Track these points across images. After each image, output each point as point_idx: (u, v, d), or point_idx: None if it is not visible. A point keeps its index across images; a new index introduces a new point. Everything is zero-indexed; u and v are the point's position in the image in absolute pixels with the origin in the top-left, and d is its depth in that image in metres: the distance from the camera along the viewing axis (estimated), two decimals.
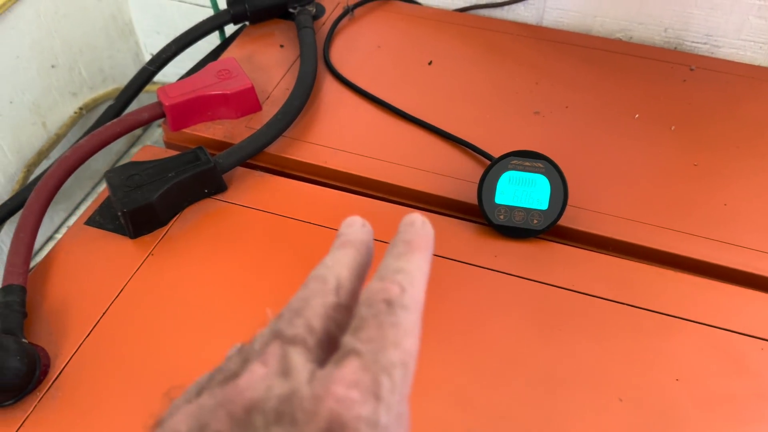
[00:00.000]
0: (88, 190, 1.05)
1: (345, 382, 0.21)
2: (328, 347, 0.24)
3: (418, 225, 0.28)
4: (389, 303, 0.23)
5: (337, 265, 0.26)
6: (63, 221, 1.01)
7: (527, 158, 0.56)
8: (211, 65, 0.69)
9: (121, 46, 1.07)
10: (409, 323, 0.23)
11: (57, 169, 0.60)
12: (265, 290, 0.54)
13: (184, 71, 0.83)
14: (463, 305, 0.53)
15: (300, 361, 0.22)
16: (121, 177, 0.58)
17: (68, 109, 0.99)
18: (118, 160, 1.11)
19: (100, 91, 1.04)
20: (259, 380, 0.22)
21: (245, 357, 0.23)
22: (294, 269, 0.56)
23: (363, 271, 0.27)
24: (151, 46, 1.12)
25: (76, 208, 1.03)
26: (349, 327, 0.23)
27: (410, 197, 0.63)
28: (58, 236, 1.00)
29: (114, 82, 1.07)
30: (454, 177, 0.63)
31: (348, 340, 0.22)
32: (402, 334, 0.23)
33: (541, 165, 0.56)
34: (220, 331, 0.52)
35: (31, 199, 0.57)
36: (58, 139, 0.96)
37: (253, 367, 0.22)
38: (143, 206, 0.56)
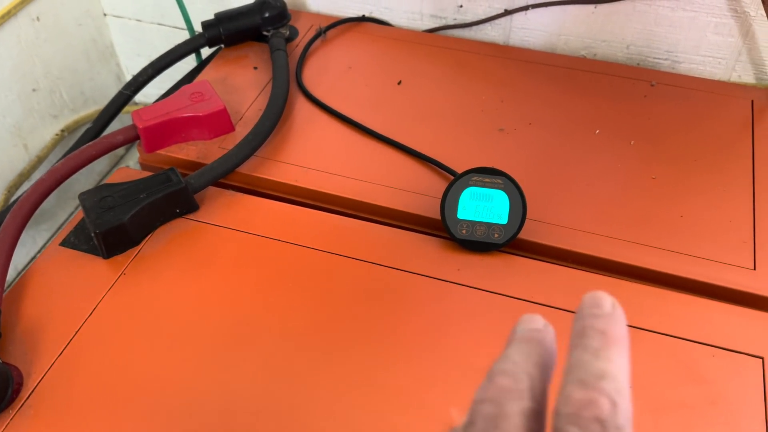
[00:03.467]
0: (70, 211, 1.06)
1: None
2: None
3: (608, 308, 0.24)
4: (602, 424, 0.20)
5: (525, 362, 0.23)
6: (46, 242, 1.03)
7: (487, 174, 0.58)
8: (184, 88, 0.71)
9: (102, 68, 1.09)
10: None
11: (32, 192, 0.61)
12: (236, 308, 0.56)
13: (164, 92, 0.85)
14: (427, 319, 0.55)
15: None
16: (93, 199, 0.59)
17: (50, 131, 1.00)
18: (101, 181, 1.12)
19: (82, 113, 1.06)
20: None
21: None
22: (265, 287, 0.57)
23: (549, 374, 0.24)
24: (133, 68, 1.14)
25: (59, 228, 1.05)
26: None
27: (378, 213, 0.64)
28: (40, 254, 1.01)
29: (95, 104, 1.09)
30: (420, 193, 0.64)
31: None
32: None
33: (500, 181, 0.58)
34: (190, 349, 0.53)
35: (7, 222, 0.59)
36: (39, 161, 0.98)
37: None
38: (115, 227, 0.58)
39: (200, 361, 0.52)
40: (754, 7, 0.74)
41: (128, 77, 1.16)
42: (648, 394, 0.50)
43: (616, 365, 0.22)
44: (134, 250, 0.60)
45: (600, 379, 0.21)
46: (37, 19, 0.94)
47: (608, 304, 0.24)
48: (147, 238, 0.61)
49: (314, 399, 0.50)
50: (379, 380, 0.51)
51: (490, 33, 0.86)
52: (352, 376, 0.51)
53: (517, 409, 0.21)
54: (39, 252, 1.02)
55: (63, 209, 1.05)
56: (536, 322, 0.26)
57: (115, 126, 0.85)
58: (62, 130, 1.02)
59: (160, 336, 0.54)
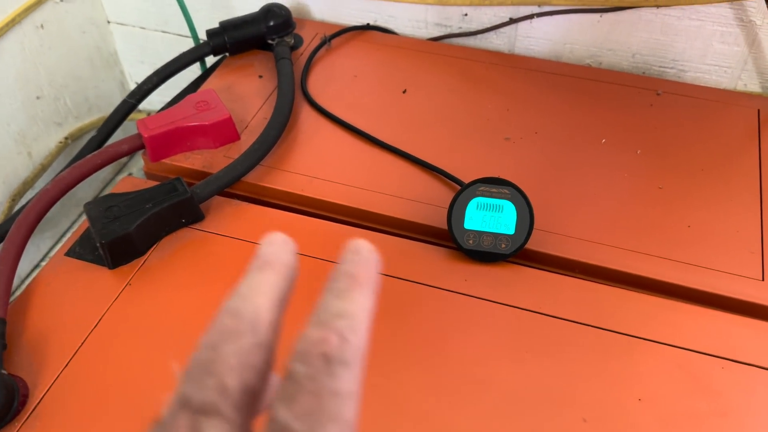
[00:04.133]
0: (74, 218, 1.06)
1: None
2: (250, 407, 0.21)
3: (364, 254, 0.25)
4: (328, 359, 0.21)
5: (255, 294, 0.23)
6: (49, 249, 1.03)
7: (493, 185, 0.58)
8: (190, 97, 0.71)
9: (106, 76, 1.09)
10: (350, 384, 0.21)
11: (38, 202, 0.61)
12: None
13: (169, 98, 0.85)
14: (434, 329, 0.55)
15: None
16: (99, 209, 0.59)
17: (53, 138, 1.00)
18: (104, 188, 1.12)
19: (86, 121, 1.06)
20: None
21: None
22: None
23: (285, 298, 0.24)
24: (136, 75, 1.14)
25: (62, 236, 1.04)
26: (281, 388, 0.20)
27: (384, 223, 0.64)
28: (45, 264, 1.01)
29: (99, 111, 1.09)
30: (427, 203, 0.64)
31: (282, 414, 0.20)
32: (342, 401, 0.20)
33: (507, 191, 0.58)
34: None
35: (12, 232, 0.59)
36: (43, 168, 0.98)
37: None
38: (121, 237, 0.57)
39: None
40: (760, 17, 0.74)
41: (131, 84, 1.16)
42: (657, 405, 0.50)
43: (356, 305, 0.23)
44: (140, 261, 0.60)
45: (336, 317, 0.22)
46: (41, 26, 0.94)
47: (364, 249, 0.25)
48: (152, 248, 0.61)
49: None
50: (385, 390, 0.51)
51: (495, 41, 0.86)
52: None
53: (234, 348, 0.21)
54: (42, 259, 1.01)
55: (66, 216, 1.05)
56: (275, 241, 0.25)
57: (118, 134, 0.85)
58: (66, 138, 1.02)
59: (166, 346, 0.54)
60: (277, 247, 0.25)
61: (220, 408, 0.20)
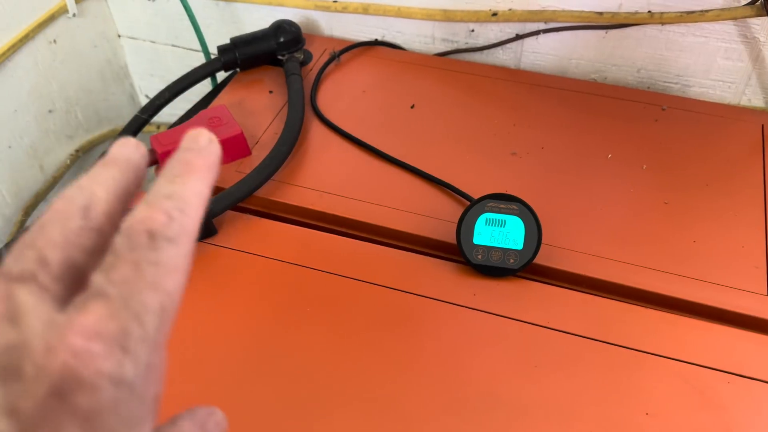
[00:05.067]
0: None
1: (86, 331, 0.18)
2: (75, 282, 0.21)
3: (202, 142, 0.25)
4: (152, 235, 0.21)
5: (92, 185, 0.23)
6: None
7: (502, 201, 0.59)
8: (202, 113, 0.72)
9: (116, 89, 1.11)
10: (173, 259, 0.21)
11: None
12: (253, 332, 0.56)
13: (179, 112, 0.86)
14: (444, 344, 0.55)
15: (30, 303, 0.19)
16: None
17: (65, 151, 1.02)
18: None
19: (96, 133, 1.07)
20: None
21: None
22: (282, 311, 0.58)
23: (127, 194, 0.24)
24: (146, 88, 1.15)
25: None
26: (102, 261, 0.20)
27: (394, 237, 0.65)
28: None
29: (110, 123, 1.10)
30: (436, 217, 0.65)
31: (97, 279, 0.20)
32: (163, 272, 0.20)
33: (515, 207, 0.59)
34: (207, 373, 0.54)
35: None
36: (54, 181, 0.99)
37: None
38: None
39: (216, 385, 0.53)
40: (764, 33, 0.75)
41: (141, 97, 1.17)
42: (664, 419, 0.50)
43: (188, 189, 0.22)
44: None
45: (165, 198, 0.22)
46: (54, 41, 0.95)
47: (204, 138, 0.25)
48: None
49: (330, 424, 0.51)
50: (395, 403, 0.52)
51: (501, 57, 0.87)
52: (369, 400, 0.52)
53: (59, 228, 0.21)
54: None
55: None
56: (127, 144, 0.25)
57: None
58: (77, 150, 1.03)
59: (178, 360, 0.55)
60: (127, 149, 0.25)
61: (37, 276, 0.20)
